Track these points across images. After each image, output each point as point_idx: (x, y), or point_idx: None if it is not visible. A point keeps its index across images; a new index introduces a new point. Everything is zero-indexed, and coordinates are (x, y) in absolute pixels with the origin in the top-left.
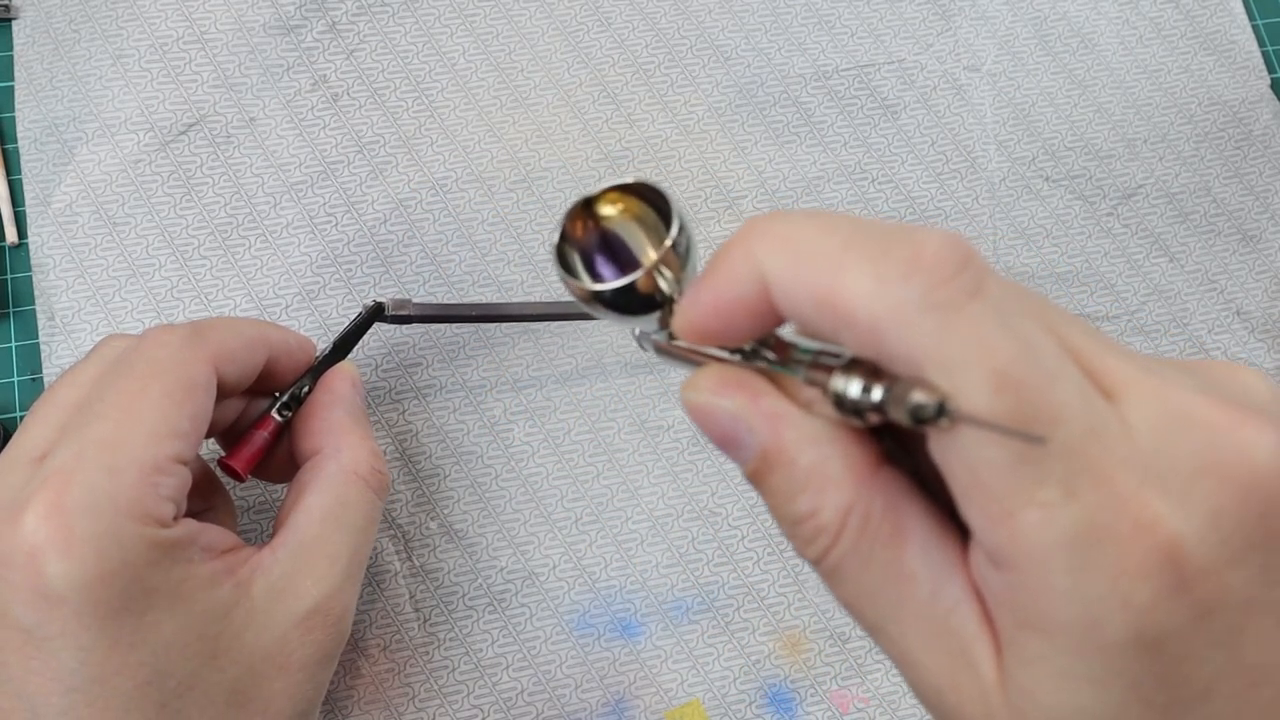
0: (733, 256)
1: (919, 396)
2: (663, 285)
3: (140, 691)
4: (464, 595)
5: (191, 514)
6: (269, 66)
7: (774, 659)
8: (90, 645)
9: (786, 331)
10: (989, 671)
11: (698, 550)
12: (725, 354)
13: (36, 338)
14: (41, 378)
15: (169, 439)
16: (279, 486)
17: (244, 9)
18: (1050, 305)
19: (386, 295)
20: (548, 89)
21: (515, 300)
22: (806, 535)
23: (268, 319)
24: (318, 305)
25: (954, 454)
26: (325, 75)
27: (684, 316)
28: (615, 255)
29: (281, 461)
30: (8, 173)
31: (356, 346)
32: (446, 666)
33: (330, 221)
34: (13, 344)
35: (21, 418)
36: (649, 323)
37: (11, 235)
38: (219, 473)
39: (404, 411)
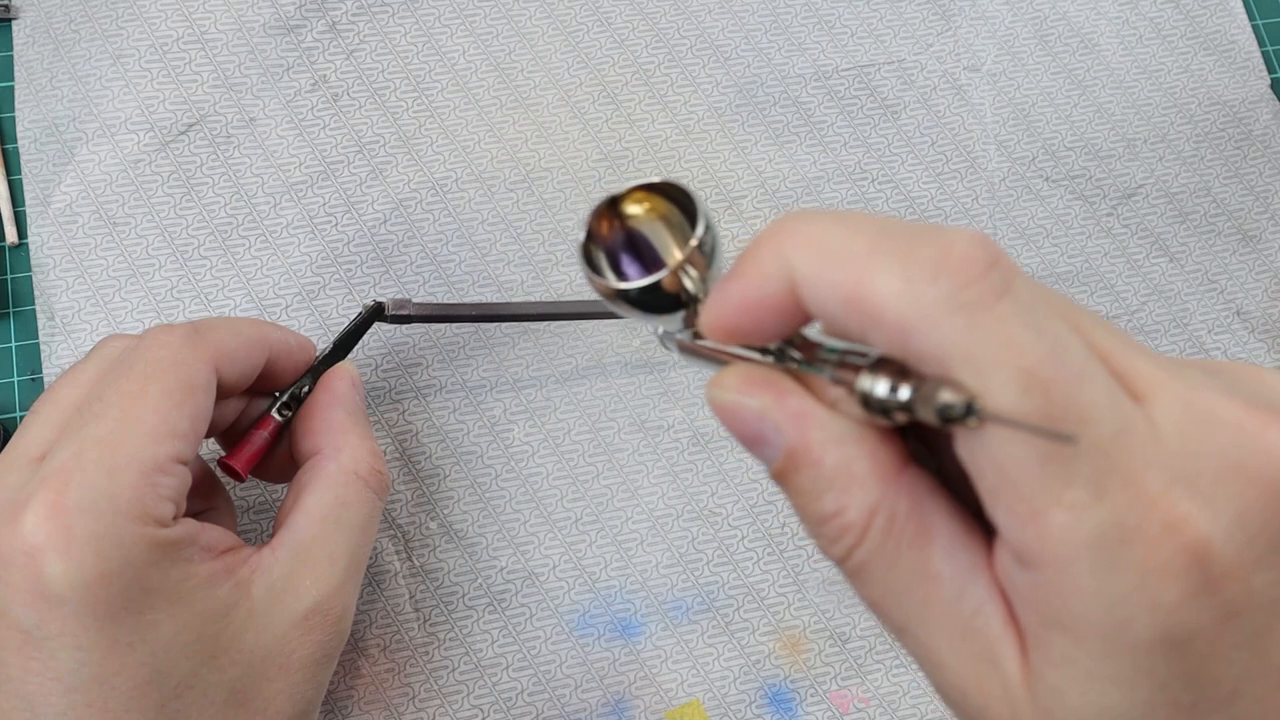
0: (761, 255)
1: (947, 396)
2: (688, 284)
3: (140, 691)
4: (464, 595)
5: (191, 514)
6: (269, 66)
7: (774, 659)
8: (90, 645)
9: (812, 331)
10: (1014, 672)
11: (698, 550)
12: (750, 353)
13: (36, 338)
14: (41, 378)
15: (169, 439)
16: (279, 486)
17: (244, 9)
18: (1076, 306)
19: (386, 295)
20: (548, 89)
21: (515, 300)
22: (832, 534)
23: (268, 319)
24: (318, 305)
25: (981, 453)
26: (325, 75)
27: (711, 314)
28: (640, 254)
29: (281, 461)
30: (8, 173)
31: (356, 346)
32: (446, 666)
33: (330, 221)
34: (13, 344)
35: (21, 418)
36: (673, 322)
37: (11, 235)
38: (219, 473)
39: (404, 411)
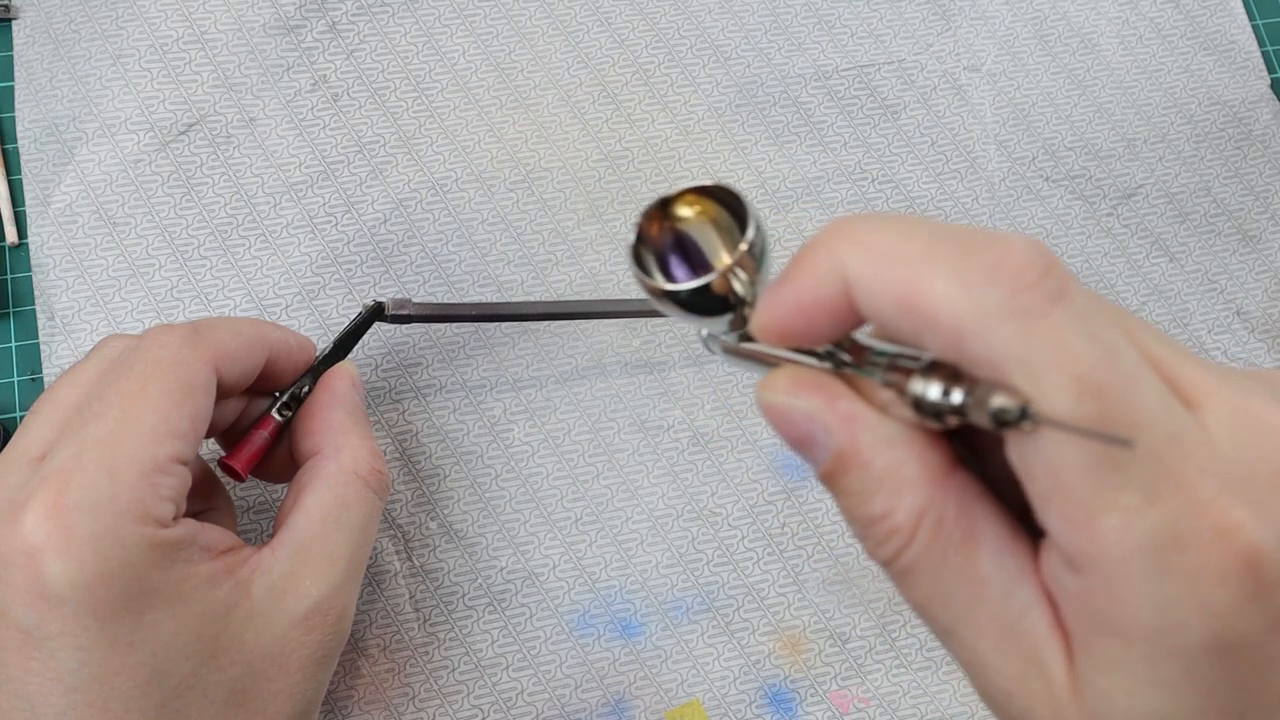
0: (816, 258)
1: (1001, 400)
2: (737, 287)
3: (140, 691)
4: (464, 595)
5: (191, 514)
6: (269, 66)
7: (774, 659)
8: (90, 645)
9: (860, 334)
10: (1060, 675)
11: (698, 550)
12: (800, 356)
13: (36, 338)
14: (41, 378)
15: (169, 439)
16: (279, 486)
17: (244, 9)
18: (1128, 314)
19: (386, 295)
20: (548, 89)
21: (515, 300)
22: (879, 536)
23: (268, 319)
24: (318, 305)
25: (1033, 457)
26: (325, 75)
27: (764, 316)
28: (688, 256)
29: (281, 461)
30: (8, 173)
31: (356, 346)
32: (446, 666)
33: (330, 221)
34: (13, 344)
35: (21, 418)
36: (719, 324)
37: (11, 235)
38: (219, 473)
39: (404, 411)
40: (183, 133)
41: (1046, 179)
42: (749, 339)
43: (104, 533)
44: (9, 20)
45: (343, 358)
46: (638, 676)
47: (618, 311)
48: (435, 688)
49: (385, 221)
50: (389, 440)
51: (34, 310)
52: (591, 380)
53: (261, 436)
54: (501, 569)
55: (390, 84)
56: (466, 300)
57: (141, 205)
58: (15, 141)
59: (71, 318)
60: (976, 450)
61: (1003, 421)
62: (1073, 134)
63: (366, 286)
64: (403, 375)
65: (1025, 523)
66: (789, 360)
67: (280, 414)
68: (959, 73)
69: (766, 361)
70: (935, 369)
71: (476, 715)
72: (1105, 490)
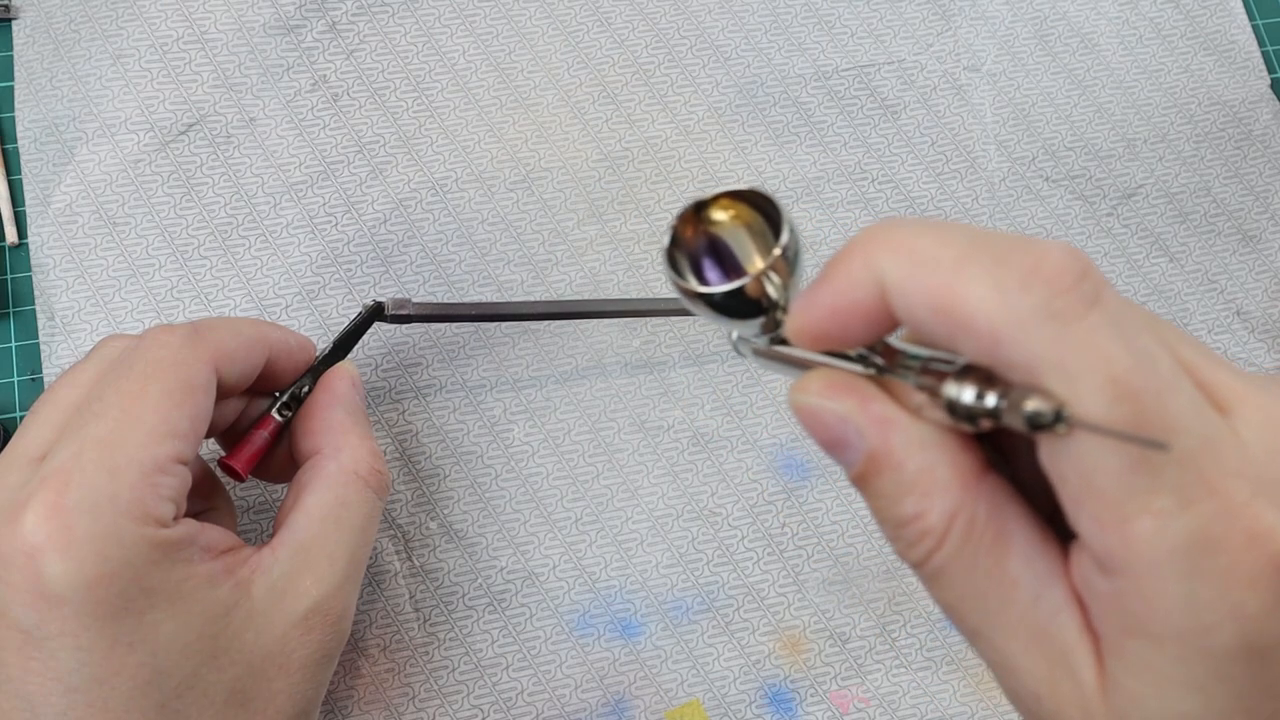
0: (852, 261)
1: (1037, 403)
2: (770, 291)
3: (140, 691)
4: (464, 595)
5: (191, 514)
6: (269, 66)
7: (774, 659)
8: (90, 645)
9: (892, 339)
10: (1089, 677)
11: (698, 550)
12: (831, 359)
13: (36, 338)
14: (41, 378)
15: (169, 439)
16: (279, 486)
17: (244, 9)
18: (1160, 320)
19: (386, 295)
20: (548, 89)
21: (515, 300)
22: (911, 538)
23: (268, 319)
24: (318, 305)
25: (1066, 461)
26: (325, 75)
27: (799, 319)
28: (721, 259)
29: (281, 461)
30: (8, 173)
31: (356, 346)
32: (446, 666)
33: (330, 221)
34: (13, 344)
35: (21, 418)
36: (750, 327)
37: (11, 235)
38: (219, 473)
39: (404, 411)
40: (183, 133)
41: (1046, 179)
42: (780, 342)
43: (104, 533)
44: (9, 20)
45: (343, 358)
46: (638, 676)
47: (618, 311)
48: (435, 688)
49: (385, 221)
50: (389, 440)
51: (34, 310)
52: (591, 380)
53: (261, 436)
54: (501, 569)
55: (390, 84)
56: (466, 300)
57: (141, 205)
58: (15, 141)
59: (71, 318)
60: (1004, 454)
61: (1037, 425)
62: (1073, 134)
63: (366, 286)
64: (403, 375)
65: (1054, 528)
66: (821, 363)
67: (280, 414)
68: (959, 73)
69: (797, 364)
70: (969, 372)
71: (476, 715)
72: (1139, 494)
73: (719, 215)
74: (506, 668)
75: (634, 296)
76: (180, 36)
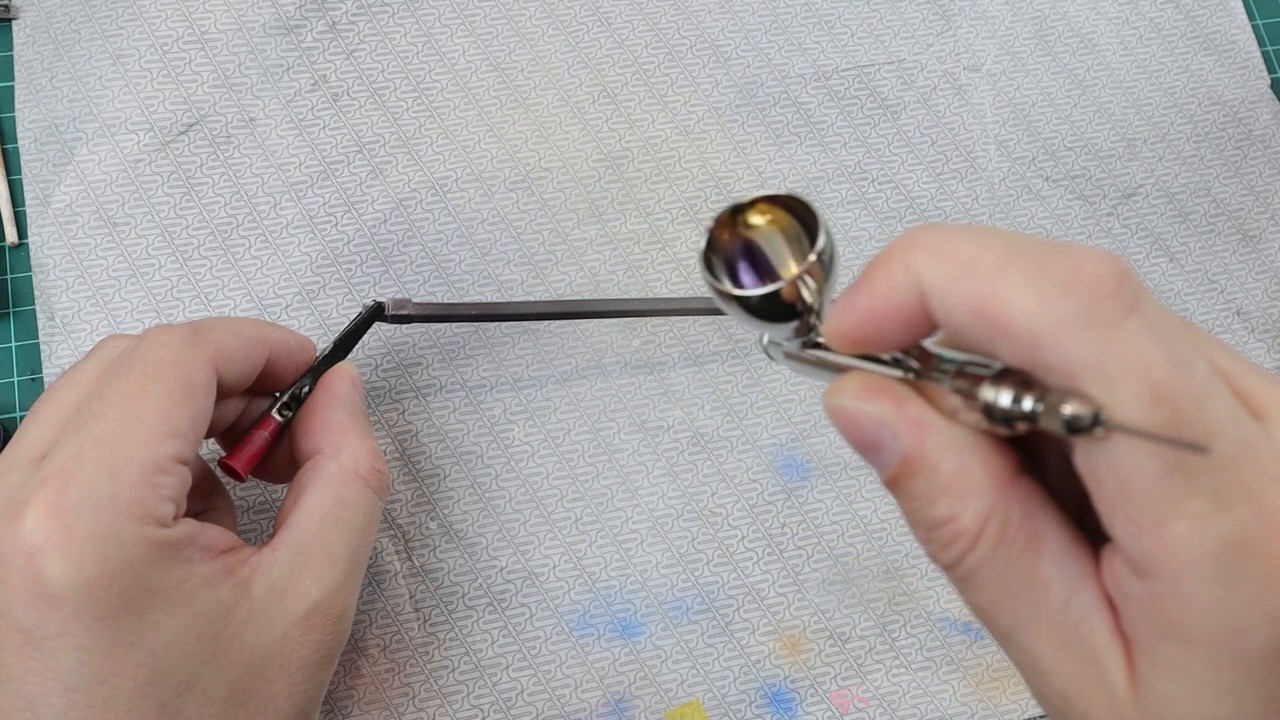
0: (890, 265)
1: (1075, 406)
2: (805, 295)
3: (140, 691)
4: (464, 595)
5: (191, 514)
6: (269, 66)
7: (774, 659)
8: (90, 645)
9: (927, 342)
10: (1120, 680)
11: (698, 550)
12: (865, 363)
13: (36, 338)
14: (41, 378)
15: (169, 439)
16: (279, 486)
17: (244, 9)
18: (1196, 327)
19: (386, 295)
20: (548, 89)
21: (515, 300)
22: (944, 540)
23: (268, 319)
24: (318, 305)
25: (1103, 464)
26: (325, 75)
27: (837, 322)
28: (756, 263)
29: (281, 461)
30: (8, 173)
31: (356, 346)
32: (446, 666)
33: (330, 221)
34: (13, 344)
35: (21, 418)
36: (783, 331)
37: (11, 235)
38: (219, 473)
39: (404, 411)
40: (183, 133)
41: (1046, 179)
42: (812, 345)
43: (104, 533)
44: (9, 20)
45: (343, 358)
46: (638, 676)
47: (618, 311)
48: (435, 688)
49: (385, 221)
50: (389, 440)
51: (34, 310)
52: (591, 380)
53: (261, 436)
54: (501, 569)
55: (390, 84)
56: (466, 300)
57: (141, 205)
58: (15, 141)
59: (71, 318)
60: (1035, 458)
61: (1076, 428)
62: (1073, 134)
63: (366, 286)
64: (403, 375)
65: (1085, 531)
66: (854, 367)
67: (280, 414)
68: (959, 73)
69: (830, 368)
70: (1006, 376)
71: (476, 715)
72: (1175, 497)
73: (755, 219)
74: (506, 668)
75: (634, 296)
76: (180, 36)
